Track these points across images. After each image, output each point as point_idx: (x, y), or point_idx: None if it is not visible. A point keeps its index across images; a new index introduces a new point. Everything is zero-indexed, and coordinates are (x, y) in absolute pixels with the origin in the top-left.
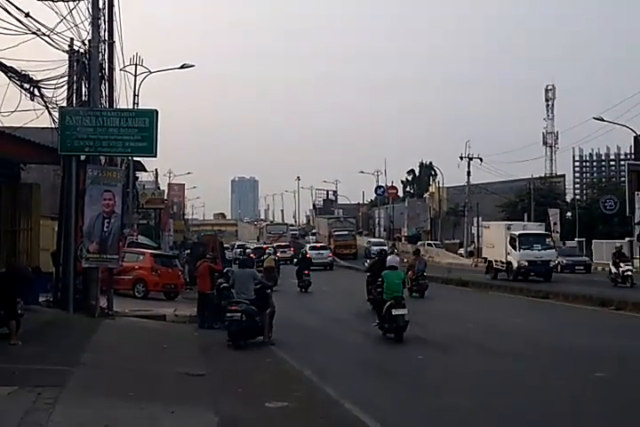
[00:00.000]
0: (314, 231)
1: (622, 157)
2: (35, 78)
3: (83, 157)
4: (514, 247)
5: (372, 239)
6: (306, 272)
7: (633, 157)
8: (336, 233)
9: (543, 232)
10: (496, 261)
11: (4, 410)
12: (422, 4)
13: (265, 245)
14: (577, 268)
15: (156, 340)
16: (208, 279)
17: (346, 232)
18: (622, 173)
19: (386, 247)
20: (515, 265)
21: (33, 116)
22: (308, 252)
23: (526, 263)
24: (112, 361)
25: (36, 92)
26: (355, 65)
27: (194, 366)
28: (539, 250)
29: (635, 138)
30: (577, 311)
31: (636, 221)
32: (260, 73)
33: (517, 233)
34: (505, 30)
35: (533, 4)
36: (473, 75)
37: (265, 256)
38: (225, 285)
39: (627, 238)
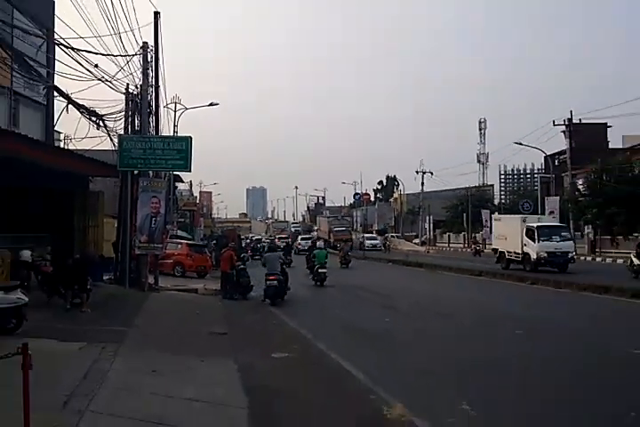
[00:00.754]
0: (315, 228)
1: (535, 171)
2: (99, 113)
3: (136, 172)
4: (532, 239)
5: (366, 235)
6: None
7: (543, 171)
8: (335, 229)
9: (561, 224)
10: (509, 252)
11: (77, 360)
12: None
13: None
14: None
15: (190, 307)
16: (229, 262)
17: (343, 228)
18: (535, 183)
19: (378, 241)
20: (533, 256)
21: (98, 142)
22: (299, 242)
23: (545, 255)
24: (157, 323)
25: (101, 123)
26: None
27: (219, 326)
28: (557, 241)
29: (544, 157)
30: (513, 286)
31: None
32: (270, 106)
33: (535, 225)
34: (444, 72)
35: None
36: (433, 108)
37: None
38: (242, 266)
39: None
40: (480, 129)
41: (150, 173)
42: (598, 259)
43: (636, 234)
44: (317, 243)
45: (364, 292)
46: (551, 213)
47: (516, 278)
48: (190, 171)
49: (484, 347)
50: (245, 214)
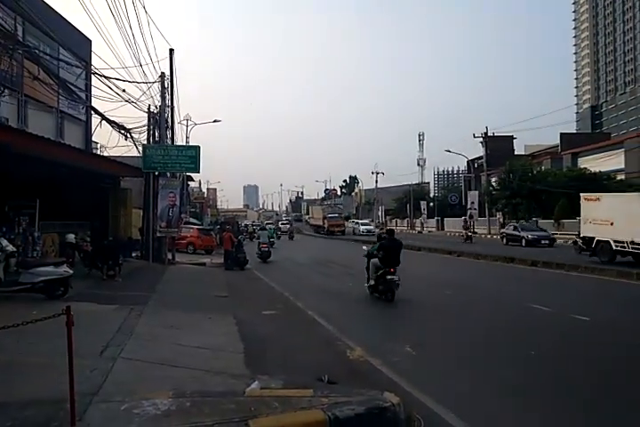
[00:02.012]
0: (307, 217)
1: (461, 171)
2: (127, 127)
3: (156, 173)
4: None
5: (361, 221)
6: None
7: (466, 171)
8: (329, 216)
9: None
10: (617, 241)
11: (112, 318)
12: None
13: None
14: (542, 242)
15: (200, 276)
16: (229, 242)
17: (336, 215)
18: (461, 181)
19: (372, 226)
20: None
21: (126, 150)
22: (280, 226)
23: None
24: (174, 289)
25: (128, 135)
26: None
27: (222, 291)
28: None
29: (467, 161)
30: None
31: (468, 207)
32: (261, 122)
33: None
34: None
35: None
36: (384, 116)
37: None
38: (237, 244)
39: (463, 217)
40: (419, 140)
41: (168, 174)
42: None
43: (534, 218)
44: (268, 226)
45: (333, 264)
46: (472, 203)
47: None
48: (199, 172)
49: (425, 301)
50: (247, 205)
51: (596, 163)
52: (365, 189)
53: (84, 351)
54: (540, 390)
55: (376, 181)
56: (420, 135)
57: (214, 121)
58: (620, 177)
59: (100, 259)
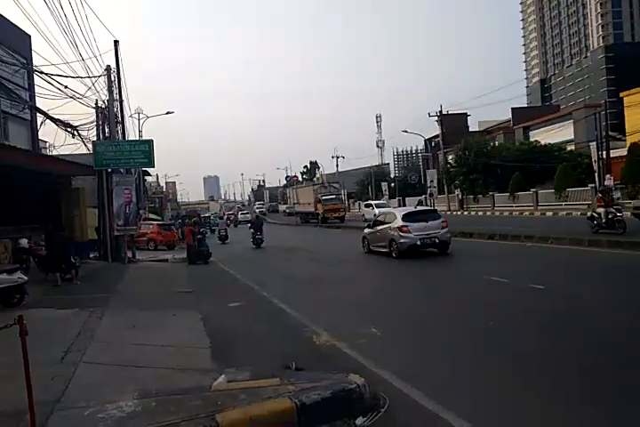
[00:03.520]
0: (291, 203)
1: (419, 151)
2: (74, 124)
3: (109, 170)
4: None
5: (375, 202)
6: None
7: (424, 151)
8: (324, 198)
9: None
10: None
11: (71, 323)
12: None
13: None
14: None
15: (163, 273)
16: (191, 236)
17: (333, 196)
18: (419, 160)
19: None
20: None
21: (75, 148)
22: (239, 216)
23: None
24: (136, 288)
25: (76, 133)
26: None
27: (186, 286)
28: None
29: (424, 140)
30: None
31: (427, 185)
32: (217, 109)
33: None
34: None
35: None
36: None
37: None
38: (200, 237)
39: (423, 195)
40: (377, 122)
41: (121, 170)
42: (465, 213)
43: (491, 193)
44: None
45: (298, 251)
46: (431, 182)
47: None
48: (154, 167)
49: (388, 283)
50: (212, 197)
51: (546, 135)
52: (326, 174)
53: (44, 359)
54: (498, 360)
55: (337, 165)
56: (377, 117)
57: (167, 113)
58: (571, 148)
59: (53, 263)
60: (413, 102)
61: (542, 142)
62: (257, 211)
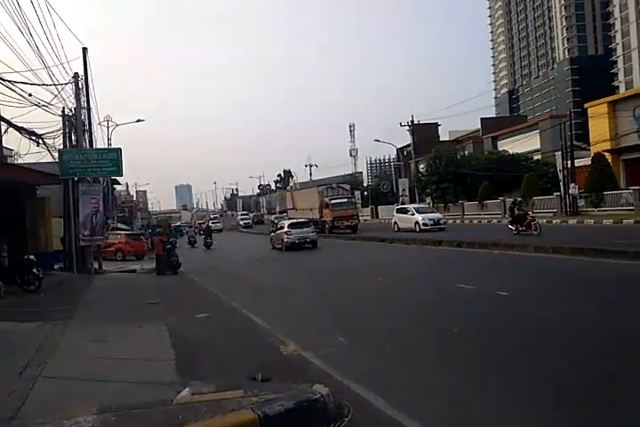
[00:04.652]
0: (288, 208)
1: (392, 160)
2: (38, 133)
3: (76, 179)
4: None
5: (414, 205)
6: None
7: (396, 160)
8: (333, 202)
9: None
10: None
11: (33, 336)
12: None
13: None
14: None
15: (130, 284)
16: (160, 246)
17: (344, 200)
18: (392, 169)
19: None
20: None
21: (41, 156)
22: (211, 224)
23: None
24: (101, 300)
25: (40, 141)
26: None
27: (153, 297)
28: None
29: (396, 149)
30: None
31: (399, 194)
32: (189, 119)
33: None
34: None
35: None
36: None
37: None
38: (169, 247)
39: (395, 204)
40: (350, 131)
41: (88, 179)
42: None
43: (461, 201)
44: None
45: (269, 260)
46: (403, 190)
47: None
48: (122, 175)
49: (357, 293)
50: (185, 206)
51: (514, 145)
52: (300, 183)
53: (0, 374)
54: (462, 366)
55: (310, 174)
56: (350, 126)
57: (137, 121)
58: (537, 157)
59: (15, 274)
60: (386, 112)
61: (510, 152)
62: (242, 222)
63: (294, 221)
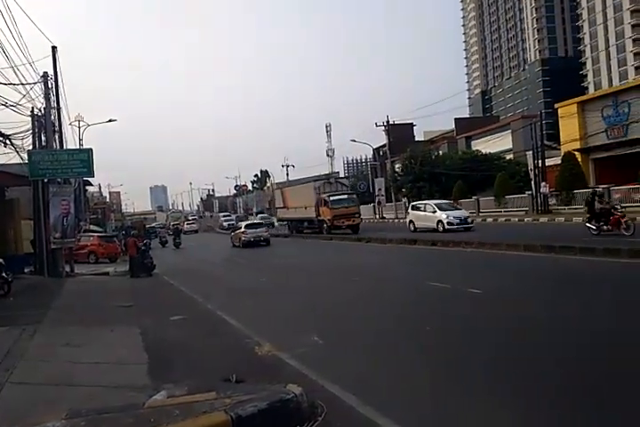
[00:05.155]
0: (277, 207)
1: (368, 160)
2: (6, 133)
3: (46, 180)
4: None
5: (435, 202)
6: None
7: (372, 160)
8: (333, 199)
9: None
10: None
11: (2, 340)
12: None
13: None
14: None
15: (103, 287)
16: (134, 248)
17: (345, 196)
18: (369, 169)
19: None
20: None
21: (8, 158)
22: (185, 226)
23: None
24: (73, 303)
25: (8, 142)
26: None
27: (126, 300)
28: None
29: (372, 150)
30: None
31: (375, 194)
32: (162, 118)
33: None
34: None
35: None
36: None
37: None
38: (143, 249)
39: (371, 204)
40: (327, 131)
41: (59, 180)
42: None
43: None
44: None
45: (239, 258)
46: (379, 190)
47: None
48: (93, 176)
49: (332, 293)
50: (161, 207)
51: (487, 145)
52: (278, 183)
53: None
54: (436, 364)
55: (287, 174)
56: (327, 126)
57: (109, 120)
58: (509, 157)
59: None
60: (362, 112)
61: (483, 152)
62: (225, 224)
63: (250, 222)
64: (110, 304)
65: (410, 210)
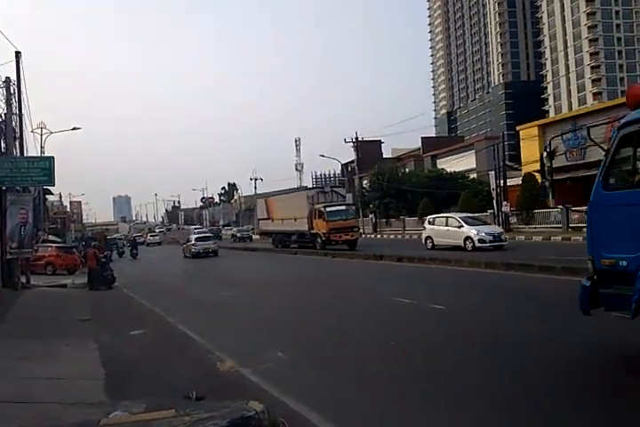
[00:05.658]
0: (261, 218)
1: (336, 175)
2: None
3: (4, 188)
4: None
5: (461, 215)
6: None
7: (340, 175)
8: (329, 210)
9: None
10: None
11: None
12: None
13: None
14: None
15: (60, 300)
16: (94, 259)
17: (343, 207)
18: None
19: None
20: None
21: None
22: (148, 238)
23: None
24: (29, 315)
25: None
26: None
27: (84, 313)
28: None
29: (341, 165)
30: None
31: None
32: (126, 130)
33: None
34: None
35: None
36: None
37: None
38: (104, 260)
39: None
40: (296, 145)
41: (18, 188)
42: (378, 236)
43: (402, 217)
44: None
45: (204, 272)
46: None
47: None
48: (54, 185)
49: (296, 307)
50: (124, 218)
51: (452, 164)
52: (245, 196)
53: None
54: (398, 379)
55: (255, 188)
56: (296, 140)
57: (73, 128)
58: (473, 176)
59: None
60: (331, 128)
61: (448, 170)
62: (197, 233)
63: (199, 235)
64: (67, 317)
65: (426, 224)
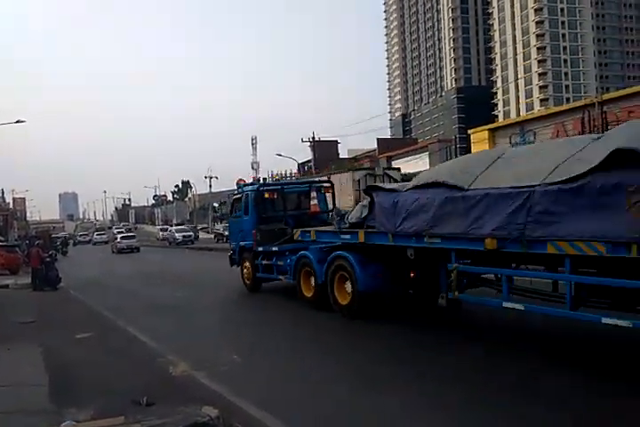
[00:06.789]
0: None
1: (293, 174)
2: None
3: None
4: None
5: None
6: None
7: (298, 174)
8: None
9: None
10: None
11: None
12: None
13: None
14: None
15: (1, 301)
16: (37, 259)
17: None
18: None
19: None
20: None
21: None
22: (95, 236)
23: None
24: None
25: None
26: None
27: (27, 316)
28: None
29: (297, 164)
30: None
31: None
32: (75, 121)
33: None
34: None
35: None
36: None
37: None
38: (48, 260)
39: None
40: (252, 144)
41: None
42: None
43: None
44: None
45: (161, 273)
46: None
47: None
48: None
49: (244, 306)
50: (72, 215)
51: (406, 165)
52: (199, 194)
53: None
54: (352, 382)
55: (210, 186)
56: (252, 139)
57: (17, 122)
58: None
59: None
60: (288, 127)
61: (403, 171)
62: (179, 236)
63: (124, 235)
64: (9, 320)
65: None
